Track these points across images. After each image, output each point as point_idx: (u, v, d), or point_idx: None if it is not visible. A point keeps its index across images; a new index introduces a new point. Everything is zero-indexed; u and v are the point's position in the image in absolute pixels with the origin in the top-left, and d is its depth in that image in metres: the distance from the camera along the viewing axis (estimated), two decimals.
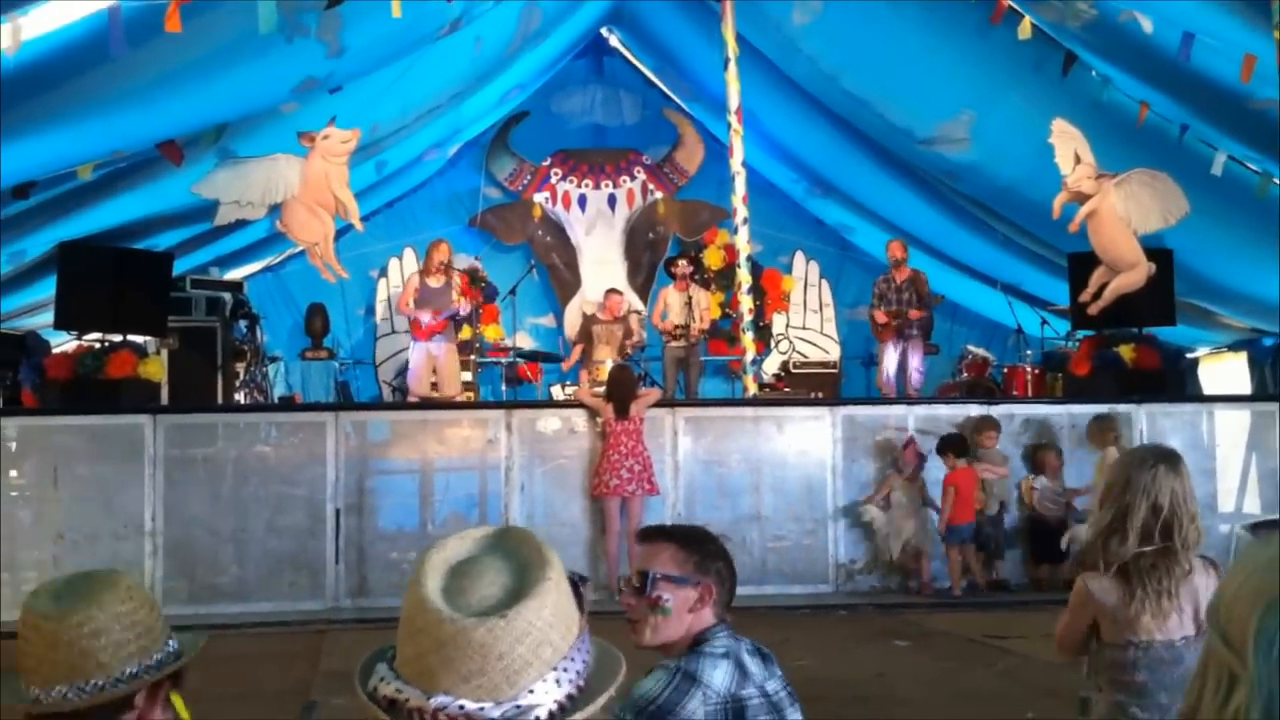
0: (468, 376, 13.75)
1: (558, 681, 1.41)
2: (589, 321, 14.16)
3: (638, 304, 15.90)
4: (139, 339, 10.99)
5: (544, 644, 1.40)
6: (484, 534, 1.53)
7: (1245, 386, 13.28)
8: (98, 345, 10.68)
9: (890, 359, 13.06)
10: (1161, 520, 3.45)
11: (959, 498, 10.19)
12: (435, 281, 12.44)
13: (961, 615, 9.48)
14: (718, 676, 2.77)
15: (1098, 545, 3.53)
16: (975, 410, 11.01)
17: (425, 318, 12.20)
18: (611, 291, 14.29)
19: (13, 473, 10.25)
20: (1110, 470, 3.65)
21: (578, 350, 13.94)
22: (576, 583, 1.51)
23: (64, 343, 11.56)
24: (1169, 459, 3.53)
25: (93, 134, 9.48)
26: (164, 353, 11.11)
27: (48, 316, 11.36)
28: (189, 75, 9.20)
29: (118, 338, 10.72)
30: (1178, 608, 3.42)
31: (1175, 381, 11.55)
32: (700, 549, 2.93)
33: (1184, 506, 3.47)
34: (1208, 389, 13.30)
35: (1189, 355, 13.29)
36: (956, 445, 10.32)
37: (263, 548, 10.04)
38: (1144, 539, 3.44)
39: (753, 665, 2.85)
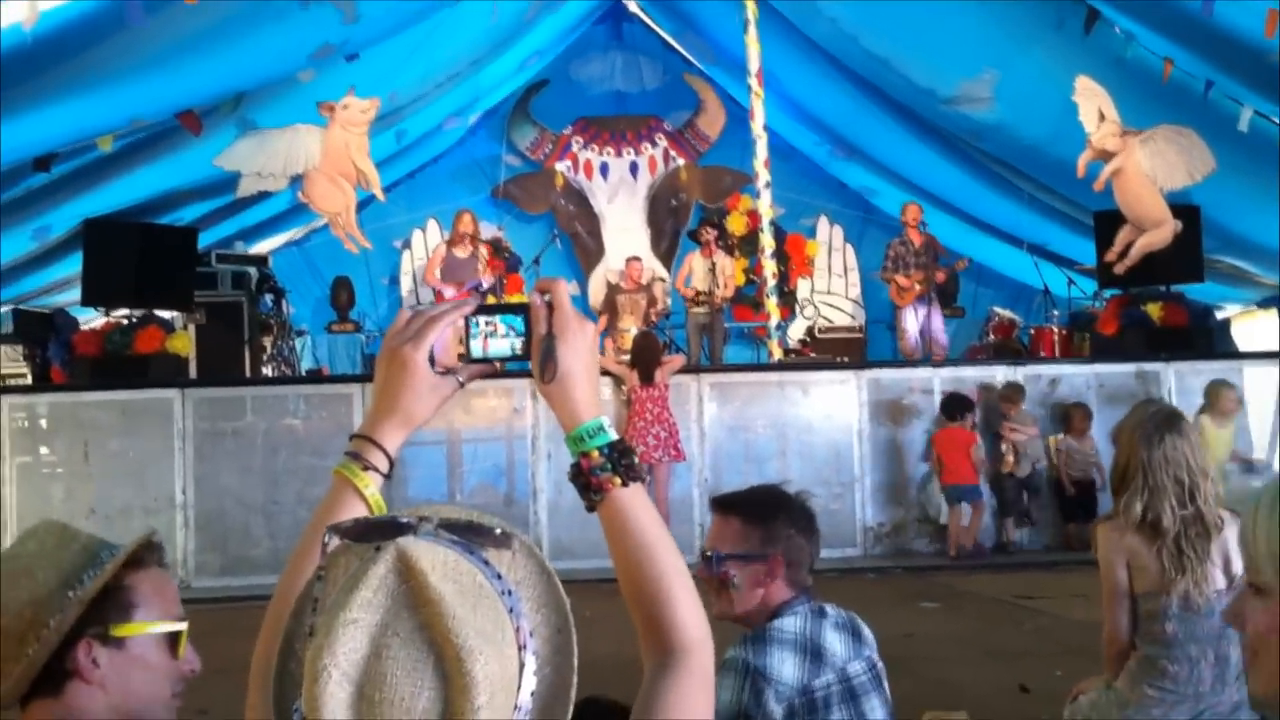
0: None
1: None
2: (613, 291, 14.16)
3: (661, 271, 15.88)
4: (166, 314, 11.05)
5: None
6: (377, 599, 1.12)
7: (1277, 343, 13.15)
8: (125, 321, 10.74)
9: (913, 323, 12.99)
10: (1187, 490, 3.44)
11: (946, 460, 10.24)
12: (461, 252, 12.49)
13: (991, 576, 9.47)
14: (787, 670, 2.70)
15: (1124, 499, 3.51)
16: (1001, 372, 10.96)
17: (449, 291, 12.23)
18: (632, 259, 14.27)
19: (44, 449, 10.35)
20: (1120, 444, 3.60)
21: (603, 320, 13.94)
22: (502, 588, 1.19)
23: (91, 319, 11.64)
24: (1173, 424, 3.50)
25: (111, 103, 9.50)
26: (191, 327, 11.17)
27: (74, 293, 11.42)
28: (205, 43, 9.20)
29: (144, 313, 10.78)
30: (1209, 563, 3.42)
31: (1203, 339, 11.47)
32: (767, 520, 2.88)
33: (1199, 468, 3.46)
34: (1242, 347, 13.17)
35: (1219, 314, 13.19)
36: (944, 406, 10.37)
37: (293, 519, 10.08)
38: (1167, 495, 3.44)
39: (835, 644, 2.79)
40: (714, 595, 2.84)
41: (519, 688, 1.16)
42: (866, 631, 2.91)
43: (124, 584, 1.79)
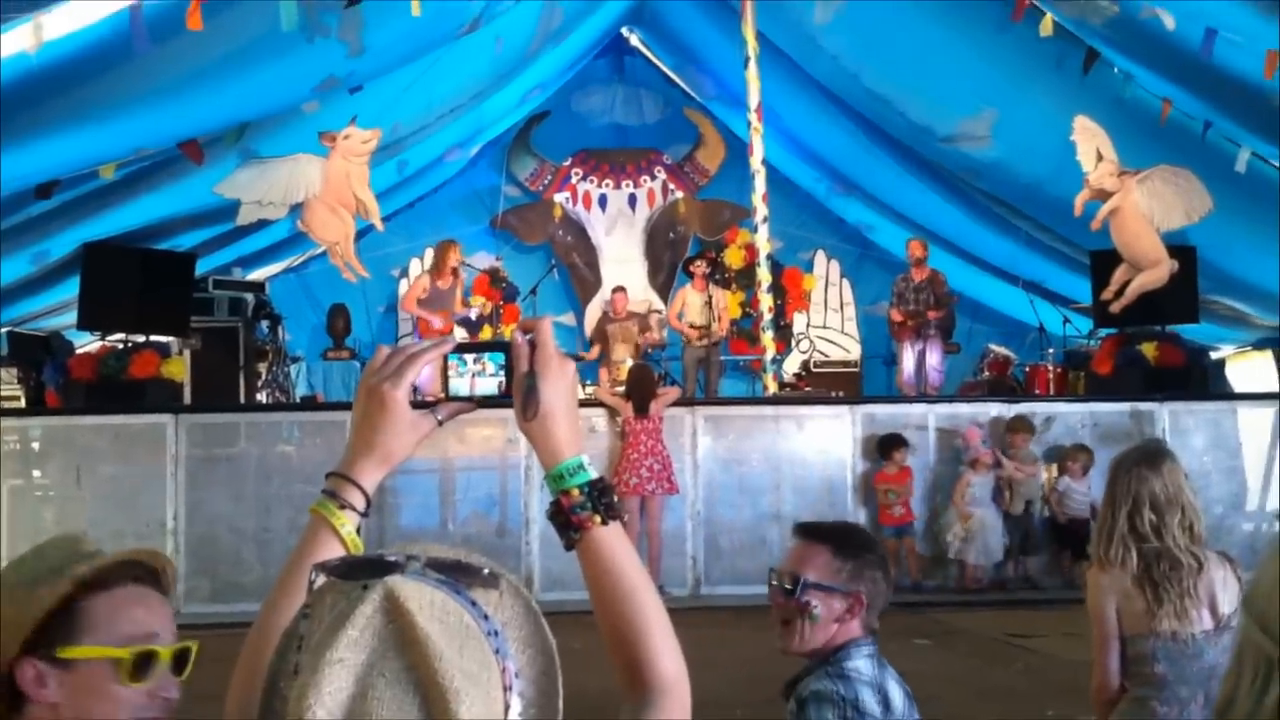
0: None
1: None
2: (604, 320, 14.17)
3: (658, 304, 15.91)
4: (162, 339, 11.05)
5: None
6: (363, 639, 1.11)
7: (1273, 384, 13.18)
8: (121, 345, 10.74)
9: (909, 358, 13.07)
10: (1148, 521, 3.45)
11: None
12: (444, 284, 12.46)
13: (984, 614, 9.45)
14: (874, 707, 2.68)
15: (1103, 542, 3.55)
16: (996, 409, 10.97)
17: (437, 321, 12.20)
18: (617, 290, 14.28)
19: (36, 472, 10.33)
20: (1116, 467, 3.65)
21: (595, 349, 13.95)
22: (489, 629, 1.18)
23: (88, 343, 11.63)
24: (1150, 459, 3.53)
25: (115, 133, 9.53)
26: (186, 353, 11.17)
27: (71, 317, 11.43)
28: (210, 74, 9.24)
29: (141, 338, 10.78)
30: (1196, 602, 3.42)
31: (1198, 379, 11.48)
32: (857, 557, 2.80)
33: (1169, 504, 3.46)
34: (1237, 388, 13.20)
35: (1214, 354, 13.22)
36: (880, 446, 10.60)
37: (285, 546, 10.05)
38: (1139, 540, 3.45)
39: (897, 697, 2.75)
40: (782, 625, 2.79)
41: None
42: (913, 698, 2.86)
43: (79, 605, 1.77)
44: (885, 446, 10.51)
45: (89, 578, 1.79)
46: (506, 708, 1.15)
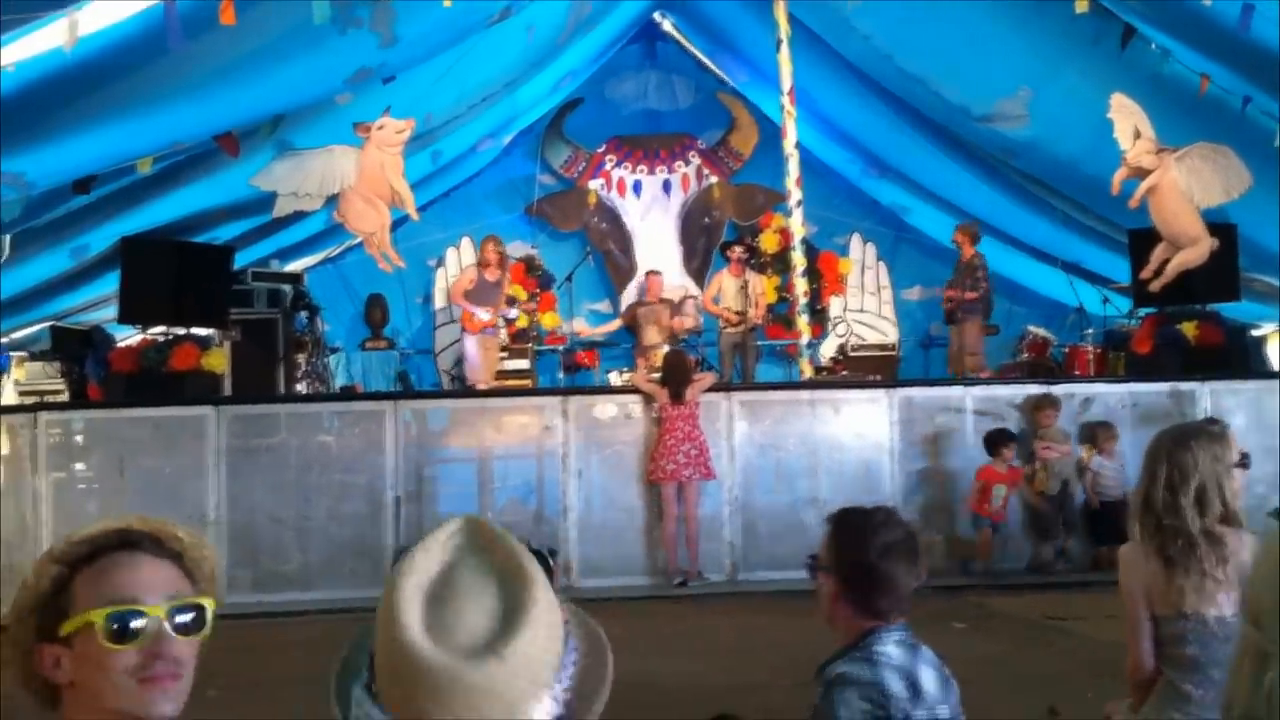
0: (524, 364, 13.90)
1: (554, 698, 1.31)
2: (636, 304, 14.17)
3: (693, 289, 15.90)
4: (201, 332, 11.14)
5: (541, 667, 1.30)
6: (450, 542, 1.37)
7: None
8: (161, 338, 10.83)
9: (954, 337, 13.09)
10: (1194, 497, 3.41)
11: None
12: (492, 276, 12.57)
13: (1022, 597, 9.41)
14: (898, 690, 2.74)
15: (1135, 521, 3.52)
16: (1035, 390, 10.90)
17: (483, 314, 12.28)
18: (651, 273, 14.28)
19: (79, 465, 10.43)
20: (1144, 457, 3.60)
21: (617, 323, 14.01)
22: (547, 559, 1.44)
23: (128, 336, 11.74)
24: (1205, 435, 3.49)
25: (151, 127, 9.60)
26: (226, 345, 11.25)
27: (112, 311, 11.54)
28: (244, 67, 9.30)
29: (181, 331, 10.88)
30: (1226, 584, 3.38)
31: (1239, 358, 11.38)
32: (841, 539, 2.91)
33: (1216, 482, 3.42)
34: (1277, 366, 13.06)
35: (1255, 332, 13.07)
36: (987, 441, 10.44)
37: (324, 535, 10.14)
38: (1174, 514, 3.41)
39: (930, 683, 2.79)
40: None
41: (564, 646, 1.34)
42: (953, 682, 2.89)
43: (71, 583, 1.79)
44: (993, 443, 10.33)
45: (71, 555, 1.80)
46: (566, 627, 1.36)
